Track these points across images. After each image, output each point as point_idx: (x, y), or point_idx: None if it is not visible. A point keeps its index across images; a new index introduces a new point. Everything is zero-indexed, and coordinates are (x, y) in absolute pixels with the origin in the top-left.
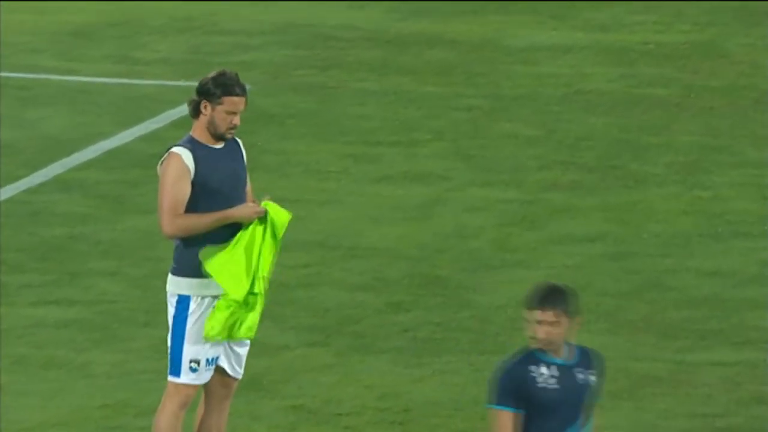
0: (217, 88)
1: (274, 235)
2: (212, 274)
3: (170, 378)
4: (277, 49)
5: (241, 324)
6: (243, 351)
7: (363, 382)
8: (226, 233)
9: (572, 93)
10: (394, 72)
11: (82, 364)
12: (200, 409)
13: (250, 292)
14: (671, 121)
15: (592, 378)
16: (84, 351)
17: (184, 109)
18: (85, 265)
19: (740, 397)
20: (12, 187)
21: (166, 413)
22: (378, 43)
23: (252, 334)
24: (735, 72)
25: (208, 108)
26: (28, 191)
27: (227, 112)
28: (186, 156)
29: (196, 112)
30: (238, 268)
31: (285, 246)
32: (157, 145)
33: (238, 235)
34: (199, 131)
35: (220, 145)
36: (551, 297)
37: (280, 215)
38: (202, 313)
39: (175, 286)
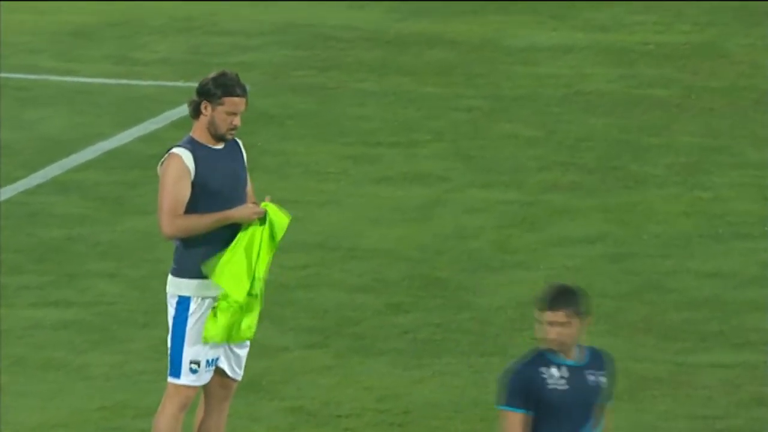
0: (218, 88)
1: (272, 236)
2: (216, 281)
3: (170, 379)
4: (277, 49)
5: (239, 326)
6: (243, 352)
7: (362, 383)
8: (225, 234)
9: (572, 93)
10: (394, 72)
11: (81, 365)
12: (200, 411)
13: (249, 293)
14: (671, 122)
15: (603, 379)
16: (83, 352)
17: (183, 110)
18: (83, 267)
19: (740, 399)
20: (10, 188)
21: (166, 414)
22: (378, 43)
23: (251, 334)
24: (735, 72)
25: (209, 108)
26: (27, 192)
27: (228, 112)
28: (186, 157)
29: (196, 112)
30: (238, 268)
31: (284, 247)
32: (157, 146)
33: (238, 236)
34: (199, 132)
35: (220, 146)
36: (562, 298)
37: (279, 218)
38: (203, 314)
39: (176, 287)
